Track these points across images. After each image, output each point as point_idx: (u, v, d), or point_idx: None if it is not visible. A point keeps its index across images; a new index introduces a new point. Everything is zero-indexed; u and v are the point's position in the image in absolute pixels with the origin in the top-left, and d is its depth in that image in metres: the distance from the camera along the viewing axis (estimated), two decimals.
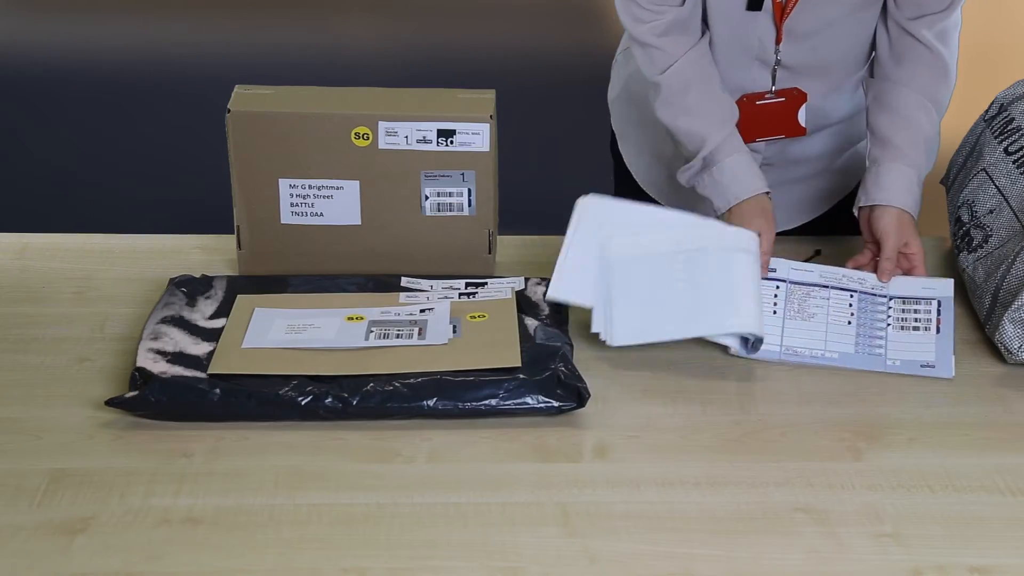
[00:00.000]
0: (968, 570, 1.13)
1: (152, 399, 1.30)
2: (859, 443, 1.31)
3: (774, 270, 1.51)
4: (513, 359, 1.37)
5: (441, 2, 2.95)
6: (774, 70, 1.61)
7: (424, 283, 1.55)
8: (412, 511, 1.19)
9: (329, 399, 1.31)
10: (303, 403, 1.30)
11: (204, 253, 1.68)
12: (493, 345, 1.40)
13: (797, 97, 1.63)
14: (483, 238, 1.59)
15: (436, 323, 1.44)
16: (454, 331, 1.43)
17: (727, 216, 1.53)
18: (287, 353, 1.39)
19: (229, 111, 1.54)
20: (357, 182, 1.56)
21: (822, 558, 1.14)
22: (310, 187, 1.56)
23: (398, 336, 1.42)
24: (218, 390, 1.31)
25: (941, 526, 1.18)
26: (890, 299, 1.50)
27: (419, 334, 1.42)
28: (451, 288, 1.53)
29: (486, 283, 1.55)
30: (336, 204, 1.57)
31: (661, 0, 1.55)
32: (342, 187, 1.56)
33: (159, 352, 1.38)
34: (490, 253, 1.60)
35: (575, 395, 1.32)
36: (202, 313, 1.47)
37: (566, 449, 1.29)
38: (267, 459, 1.26)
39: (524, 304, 1.50)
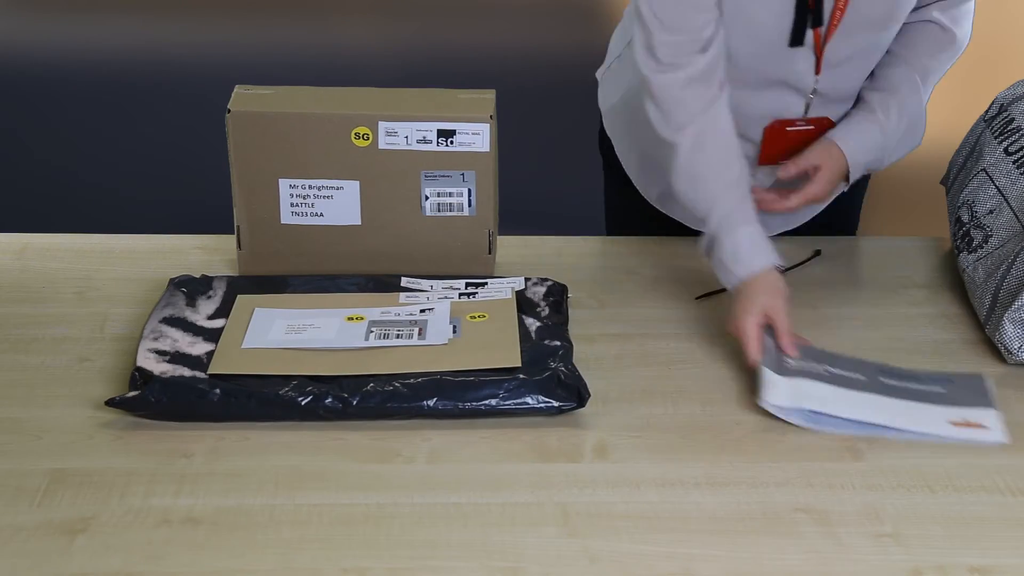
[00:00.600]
0: (968, 570, 1.13)
1: (152, 399, 1.30)
2: (859, 443, 1.31)
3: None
4: (513, 359, 1.37)
5: (441, 2, 2.95)
6: (809, 99, 1.57)
7: (424, 283, 1.55)
8: (412, 511, 1.19)
9: (329, 399, 1.31)
10: (303, 403, 1.30)
11: (204, 253, 1.68)
12: (493, 345, 1.40)
13: (826, 125, 1.60)
14: (483, 238, 1.59)
15: (436, 323, 1.44)
16: (454, 331, 1.43)
17: (735, 294, 1.46)
18: (287, 353, 1.39)
19: (229, 111, 1.54)
20: (357, 182, 1.56)
21: (822, 558, 1.14)
22: (310, 187, 1.56)
23: (398, 336, 1.42)
24: (218, 390, 1.31)
25: (941, 526, 1.18)
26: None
27: (419, 334, 1.42)
28: (451, 288, 1.53)
29: (486, 283, 1.55)
30: (336, 204, 1.57)
31: (686, 50, 1.47)
32: (342, 187, 1.56)
33: (159, 352, 1.38)
34: (490, 253, 1.60)
35: (575, 395, 1.32)
36: (202, 313, 1.47)
37: (566, 449, 1.29)
38: (267, 459, 1.26)
39: (524, 304, 1.50)
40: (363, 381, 1.33)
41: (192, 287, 1.53)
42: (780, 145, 1.60)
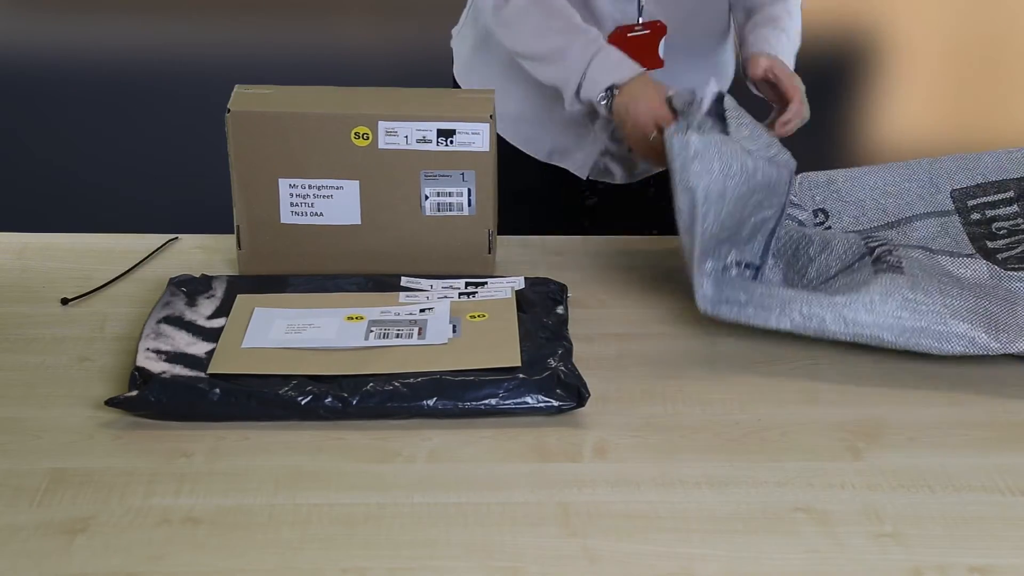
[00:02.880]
0: (968, 570, 1.13)
1: (152, 399, 1.30)
2: (859, 443, 1.31)
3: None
4: (513, 359, 1.37)
5: (441, 2, 2.95)
6: (640, 2, 1.71)
7: (424, 283, 1.55)
8: (412, 511, 1.19)
9: (329, 399, 1.31)
10: (303, 403, 1.30)
11: (204, 253, 1.68)
12: (493, 345, 1.40)
13: (659, 29, 1.72)
14: (483, 238, 1.59)
15: (436, 323, 1.44)
16: (454, 331, 1.43)
17: (625, 101, 1.61)
18: (287, 353, 1.39)
19: (229, 111, 1.54)
20: (357, 182, 1.56)
21: (822, 558, 1.14)
22: (310, 187, 1.56)
23: (398, 336, 1.42)
24: (218, 390, 1.31)
25: (941, 526, 1.18)
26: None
27: (419, 334, 1.42)
28: (451, 288, 1.53)
29: (486, 283, 1.55)
30: (336, 204, 1.57)
31: None
32: (342, 187, 1.56)
33: (159, 352, 1.38)
34: (490, 253, 1.60)
35: (575, 395, 1.32)
36: (202, 313, 1.47)
37: (566, 449, 1.29)
38: (267, 459, 1.26)
39: (524, 304, 1.50)
40: (363, 381, 1.33)
41: (192, 287, 1.53)
42: (624, 52, 1.68)
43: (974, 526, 1.18)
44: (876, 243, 1.50)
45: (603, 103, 1.64)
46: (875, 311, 1.39)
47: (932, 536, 1.17)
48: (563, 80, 1.67)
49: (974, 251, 1.56)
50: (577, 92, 1.66)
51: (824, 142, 2.95)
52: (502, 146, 1.75)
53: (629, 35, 1.71)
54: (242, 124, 1.55)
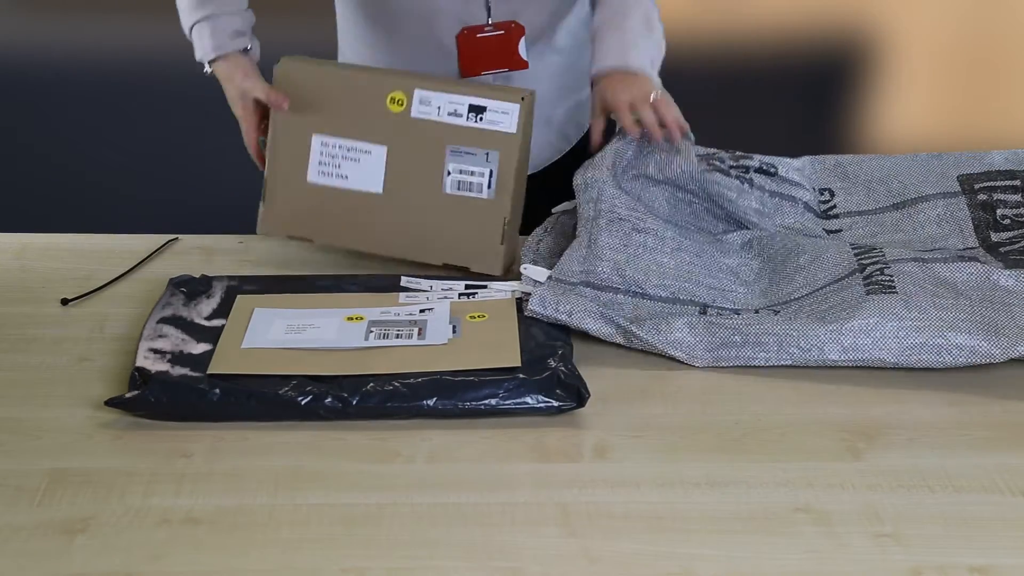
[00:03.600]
0: (968, 570, 1.13)
1: (152, 399, 1.30)
2: (859, 443, 1.31)
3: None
4: (513, 359, 1.37)
5: None
6: (488, 1, 1.67)
7: (424, 283, 1.55)
8: (412, 511, 1.19)
9: (329, 399, 1.31)
10: (303, 403, 1.30)
11: (204, 253, 1.69)
12: (493, 345, 1.40)
13: (515, 30, 1.69)
14: (497, 226, 1.59)
15: (436, 323, 1.44)
16: (454, 331, 1.43)
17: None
18: (287, 353, 1.39)
19: (278, 62, 1.61)
20: (385, 148, 1.58)
21: (822, 558, 1.14)
22: (339, 147, 1.59)
23: (398, 336, 1.42)
24: (218, 390, 1.31)
25: (941, 526, 1.18)
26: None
27: (419, 334, 1.42)
28: (451, 289, 1.53)
29: (486, 285, 1.55)
30: (362, 168, 1.59)
31: None
32: (370, 151, 1.59)
33: (159, 352, 1.38)
34: (502, 243, 1.59)
35: (575, 395, 1.32)
36: (201, 313, 1.47)
37: (566, 449, 1.29)
38: (267, 459, 1.26)
39: (524, 304, 1.50)
40: (363, 381, 1.33)
41: (192, 287, 1.53)
42: (475, 52, 1.69)
43: (974, 526, 1.18)
44: (869, 260, 1.49)
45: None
46: (872, 333, 1.39)
47: (932, 536, 1.17)
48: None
49: (976, 244, 1.55)
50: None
51: (824, 142, 2.94)
52: None
53: (479, 36, 1.70)
54: (288, 75, 1.60)
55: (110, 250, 1.69)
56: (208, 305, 1.49)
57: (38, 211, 2.85)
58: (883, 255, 1.49)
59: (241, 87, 1.62)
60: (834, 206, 1.63)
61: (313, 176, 1.61)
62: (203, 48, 1.64)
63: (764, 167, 1.62)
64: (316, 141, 1.60)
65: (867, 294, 1.43)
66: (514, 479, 1.24)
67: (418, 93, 1.57)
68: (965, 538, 1.17)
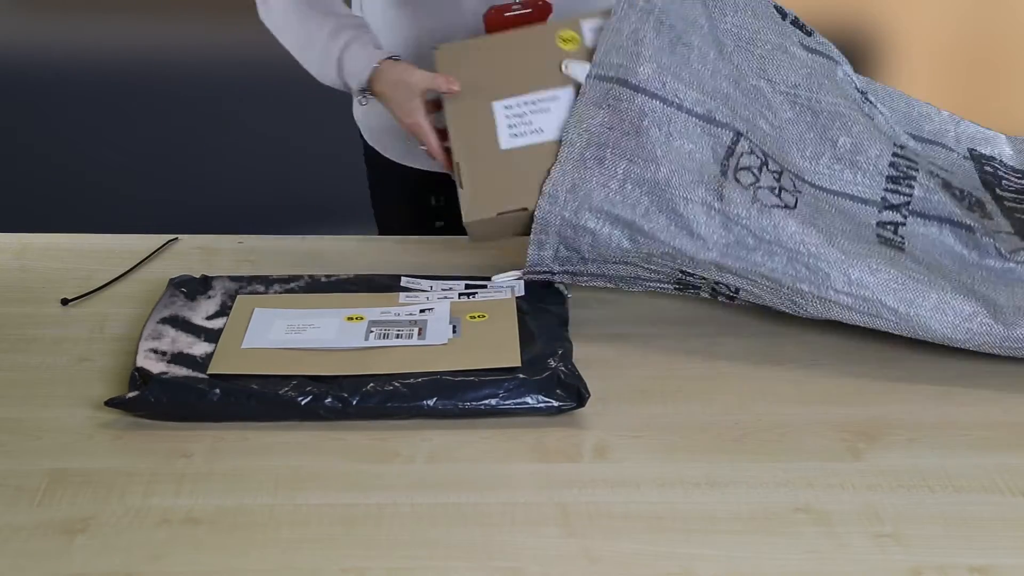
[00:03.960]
0: (968, 570, 1.13)
1: (152, 399, 1.30)
2: (859, 443, 1.31)
3: None
4: (513, 359, 1.37)
5: None
6: None
7: (424, 283, 1.55)
8: (412, 511, 1.19)
9: (329, 399, 1.31)
10: (303, 403, 1.30)
11: (204, 253, 1.69)
12: (493, 345, 1.40)
13: (543, 8, 1.62)
14: None
15: (436, 323, 1.44)
16: (454, 331, 1.43)
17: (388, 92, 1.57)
18: (287, 353, 1.39)
19: (437, 48, 1.56)
20: (570, 88, 1.53)
21: (822, 558, 1.14)
22: (525, 103, 1.53)
23: (398, 336, 1.42)
24: (218, 390, 1.31)
25: (941, 526, 1.18)
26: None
27: (419, 334, 1.42)
28: (451, 289, 1.53)
29: (486, 284, 1.54)
30: (553, 115, 1.52)
31: None
32: (557, 96, 1.53)
33: (159, 352, 1.38)
34: None
35: (575, 395, 1.32)
36: (202, 313, 1.47)
37: (566, 449, 1.29)
38: (267, 459, 1.26)
39: (524, 304, 1.50)
40: (363, 381, 1.33)
41: (192, 287, 1.53)
42: (503, 31, 1.62)
43: (974, 526, 1.18)
44: (893, 190, 1.49)
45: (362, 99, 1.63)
46: (878, 274, 1.39)
47: (932, 536, 1.17)
48: (332, 82, 1.64)
49: (987, 199, 1.56)
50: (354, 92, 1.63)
51: None
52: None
53: (506, 14, 1.63)
54: (450, 56, 1.55)
55: (110, 250, 1.69)
56: (208, 305, 1.49)
57: (38, 211, 2.85)
58: (911, 190, 1.50)
59: (408, 83, 1.56)
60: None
61: (506, 142, 1.52)
62: (356, 70, 1.60)
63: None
64: (498, 107, 1.53)
65: (878, 243, 1.45)
66: (514, 479, 1.24)
67: (586, 24, 1.53)
68: (965, 538, 1.17)
